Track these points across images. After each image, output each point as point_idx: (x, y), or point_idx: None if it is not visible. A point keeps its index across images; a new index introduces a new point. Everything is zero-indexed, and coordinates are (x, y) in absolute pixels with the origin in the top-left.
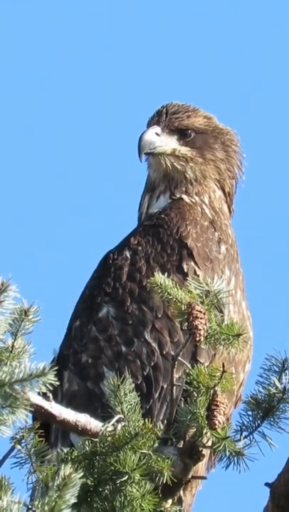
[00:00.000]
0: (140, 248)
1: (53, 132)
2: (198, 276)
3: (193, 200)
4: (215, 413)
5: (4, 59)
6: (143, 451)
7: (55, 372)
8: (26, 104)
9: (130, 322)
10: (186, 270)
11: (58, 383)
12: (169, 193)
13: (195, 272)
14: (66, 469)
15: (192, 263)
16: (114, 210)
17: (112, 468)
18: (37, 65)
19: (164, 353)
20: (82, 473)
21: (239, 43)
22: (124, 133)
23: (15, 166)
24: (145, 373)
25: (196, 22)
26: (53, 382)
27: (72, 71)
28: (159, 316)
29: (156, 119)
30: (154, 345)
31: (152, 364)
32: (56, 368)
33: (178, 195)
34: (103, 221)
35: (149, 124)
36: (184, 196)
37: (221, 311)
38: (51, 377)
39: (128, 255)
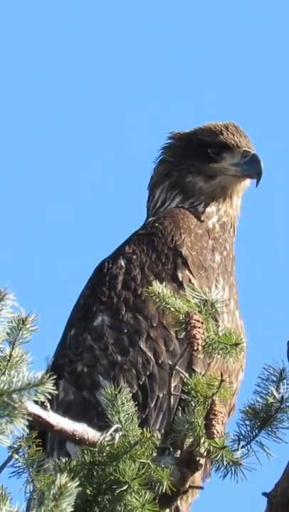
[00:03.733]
0: (135, 257)
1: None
2: (192, 284)
3: (209, 210)
4: (213, 422)
5: (4, 59)
6: (142, 460)
7: (53, 381)
8: (26, 107)
9: (125, 331)
10: (180, 279)
11: (56, 392)
12: (200, 204)
13: (190, 280)
14: (62, 478)
15: (187, 271)
16: (109, 219)
17: (112, 477)
18: (37, 65)
19: (160, 362)
20: (78, 482)
21: (239, 44)
22: (124, 136)
23: (7, 178)
24: (141, 382)
25: (196, 22)
26: (51, 391)
27: (73, 71)
28: (154, 324)
29: (250, 142)
30: (150, 354)
31: (148, 373)
32: (54, 377)
33: (207, 209)
34: (98, 229)
35: (248, 146)
36: (208, 209)
37: (216, 320)
38: (49, 386)
39: (123, 264)
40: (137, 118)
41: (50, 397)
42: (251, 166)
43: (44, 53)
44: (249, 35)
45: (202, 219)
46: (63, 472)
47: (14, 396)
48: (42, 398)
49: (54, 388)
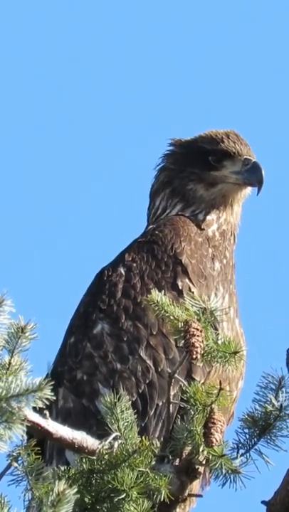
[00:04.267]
0: (135, 265)
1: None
2: (192, 293)
3: (209, 218)
4: (212, 431)
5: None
6: (140, 468)
7: (51, 387)
8: (24, 110)
9: (125, 339)
10: (180, 287)
11: (54, 398)
12: (201, 212)
13: (189, 288)
14: (60, 485)
15: (187, 280)
16: (109, 227)
17: (110, 486)
18: (37, 67)
19: (159, 370)
20: (76, 489)
21: (241, 50)
22: (125, 142)
23: (7, 184)
24: (140, 390)
25: (196, 23)
26: (49, 397)
27: (73, 76)
28: (154, 333)
29: (250, 150)
30: (149, 362)
31: (147, 381)
32: (52, 382)
33: (207, 217)
34: (98, 237)
35: (249, 154)
36: (208, 217)
37: (216, 329)
38: (47, 392)
39: (122, 272)
40: (138, 124)
41: (48, 403)
42: (252, 174)
43: (44, 55)
44: (252, 43)
45: (202, 227)
46: (62, 479)
47: (12, 402)
48: (40, 404)
49: (52, 394)
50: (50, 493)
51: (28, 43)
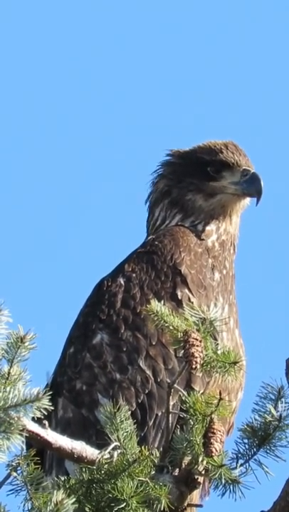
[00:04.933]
0: (134, 275)
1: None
2: (192, 303)
3: (209, 229)
4: (212, 440)
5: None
6: (140, 478)
7: (49, 397)
8: (23, 114)
9: (124, 349)
10: (180, 297)
11: (52, 408)
12: (200, 222)
13: (189, 299)
14: (59, 495)
15: (186, 290)
16: (108, 237)
17: (110, 495)
18: (36, 64)
19: (159, 380)
20: (74, 499)
21: (239, 52)
22: (124, 152)
23: (6, 191)
24: (139, 400)
25: (196, 24)
26: (47, 407)
27: (72, 71)
28: (153, 343)
29: (249, 161)
30: (149, 372)
31: (147, 391)
32: (50, 393)
33: (206, 228)
34: (98, 247)
35: (248, 165)
36: (208, 228)
37: (215, 339)
38: (45, 402)
39: (122, 282)
40: (136, 132)
41: (46, 413)
42: (251, 185)
43: (44, 55)
44: (253, 50)
45: (202, 237)
46: (60, 489)
47: (11, 412)
48: (38, 414)
49: (50, 404)
50: (49, 503)
51: (28, 42)
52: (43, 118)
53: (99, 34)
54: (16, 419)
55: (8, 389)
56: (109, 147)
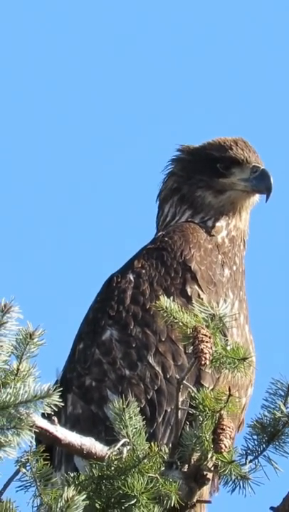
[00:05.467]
0: (144, 271)
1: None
2: (201, 299)
3: (219, 225)
4: (221, 437)
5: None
6: (150, 474)
7: (59, 394)
8: (23, 116)
9: (134, 345)
10: (189, 293)
11: (62, 404)
12: (210, 219)
13: (199, 295)
14: (69, 492)
15: (196, 286)
16: (118, 233)
17: (120, 491)
18: (37, 64)
19: (168, 376)
20: (85, 496)
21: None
22: (133, 147)
23: (14, 189)
24: (149, 397)
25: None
26: (57, 403)
27: (72, 71)
28: (163, 339)
29: (259, 157)
30: (158, 368)
31: (156, 388)
32: (61, 389)
33: (216, 224)
34: (107, 243)
35: (258, 162)
36: (217, 224)
37: (225, 335)
38: (56, 398)
39: (132, 278)
40: (144, 130)
41: (56, 410)
42: (261, 182)
43: (44, 55)
44: (259, 49)
45: (212, 233)
46: (70, 486)
47: (21, 408)
48: (48, 410)
49: (60, 400)
50: (60, 500)
51: (28, 41)
52: (46, 115)
53: (99, 30)
54: (26, 415)
55: (18, 385)
56: (116, 144)
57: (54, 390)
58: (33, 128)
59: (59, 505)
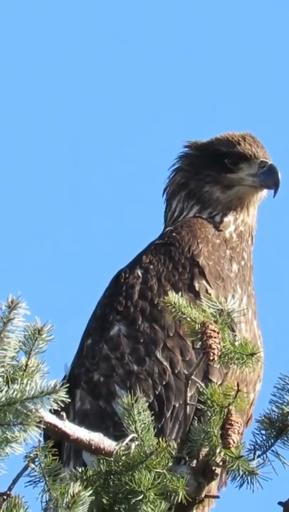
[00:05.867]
0: (152, 267)
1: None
2: (209, 294)
3: (226, 220)
4: (229, 432)
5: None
6: (158, 470)
7: (66, 390)
8: (23, 117)
9: (142, 340)
10: (197, 289)
11: (69, 400)
12: (218, 214)
13: (206, 290)
14: (75, 487)
15: (204, 281)
16: (126, 229)
17: (127, 487)
18: (37, 64)
19: (176, 371)
20: (91, 491)
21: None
22: (141, 143)
23: (21, 185)
24: (157, 392)
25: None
26: (64, 399)
27: (72, 71)
28: (171, 334)
29: (267, 153)
30: (166, 363)
31: (164, 383)
32: (67, 385)
33: (224, 219)
34: (115, 239)
35: (265, 157)
36: (225, 219)
37: (233, 330)
38: (62, 395)
39: (140, 274)
40: (152, 124)
41: (63, 405)
42: (269, 177)
43: (44, 54)
44: (264, 44)
45: (220, 228)
46: (77, 481)
47: (28, 404)
48: (55, 406)
49: (67, 396)
50: (66, 495)
51: (28, 41)
52: (46, 115)
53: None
54: (33, 411)
55: (25, 381)
56: (125, 132)
57: (61, 386)
58: (33, 128)
59: (65, 501)
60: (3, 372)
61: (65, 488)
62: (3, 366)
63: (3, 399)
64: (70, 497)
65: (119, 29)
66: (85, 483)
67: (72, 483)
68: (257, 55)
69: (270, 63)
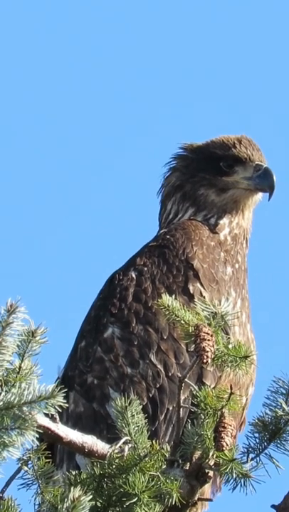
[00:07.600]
0: (146, 269)
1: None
2: (204, 297)
3: (221, 223)
4: (222, 435)
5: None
6: (151, 472)
7: (64, 394)
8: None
9: (135, 343)
10: (192, 291)
11: (67, 405)
12: (213, 216)
13: (201, 293)
14: (75, 492)
15: (198, 284)
16: (120, 231)
17: (121, 490)
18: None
19: (170, 374)
20: (91, 496)
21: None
22: (134, 145)
23: (18, 189)
24: (150, 395)
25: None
26: (61, 404)
27: (72, 71)
28: (165, 337)
29: (262, 156)
30: (160, 366)
31: (158, 386)
32: (65, 390)
33: (219, 221)
34: (110, 241)
35: (261, 160)
36: (220, 222)
37: (227, 333)
38: (60, 399)
39: (134, 276)
40: (147, 127)
41: (60, 410)
42: (264, 180)
43: (44, 54)
44: (261, 48)
45: (214, 231)
46: (76, 485)
47: (25, 409)
48: (52, 411)
49: (65, 401)
50: (66, 500)
51: (28, 41)
52: (46, 115)
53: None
54: (30, 415)
55: (23, 385)
56: (120, 135)
57: (58, 390)
58: (33, 128)
59: (65, 506)
60: (1, 376)
61: (58, 491)
62: (1, 370)
63: (1, 403)
64: (70, 502)
65: (118, 30)
66: (84, 487)
67: (72, 488)
68: (253, 58)
69: (267, 66)
